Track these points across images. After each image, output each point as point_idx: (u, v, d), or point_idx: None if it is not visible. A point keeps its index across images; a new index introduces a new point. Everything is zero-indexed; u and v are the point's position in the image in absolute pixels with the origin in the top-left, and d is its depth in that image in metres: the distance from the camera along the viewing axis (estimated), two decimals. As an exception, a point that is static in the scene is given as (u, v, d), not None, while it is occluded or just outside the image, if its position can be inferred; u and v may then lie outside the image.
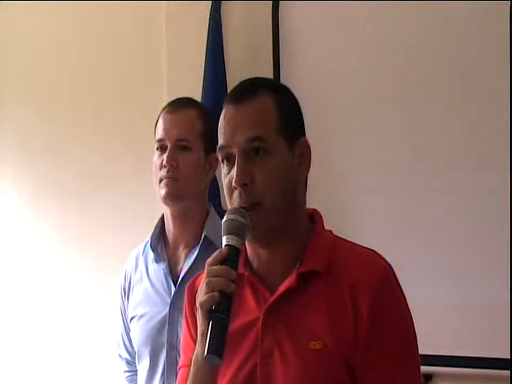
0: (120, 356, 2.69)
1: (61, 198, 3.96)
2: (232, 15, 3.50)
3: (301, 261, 1.67)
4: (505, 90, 2.97)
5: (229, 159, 1.68)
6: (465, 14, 3.06)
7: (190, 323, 1.76)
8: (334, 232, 1.76)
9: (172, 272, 2.48)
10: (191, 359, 1.66)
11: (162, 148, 2.47)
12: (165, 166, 2.43)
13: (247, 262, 1.71)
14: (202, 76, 3.44)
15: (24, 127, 4.07)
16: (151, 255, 2.53)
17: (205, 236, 2.44)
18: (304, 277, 1.65)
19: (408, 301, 1.68)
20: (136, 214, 3.66)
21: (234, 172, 1.65)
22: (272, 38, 3.39)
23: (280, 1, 3.39)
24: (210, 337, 1.56)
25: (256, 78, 1.81)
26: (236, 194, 1.66)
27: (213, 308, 1.57)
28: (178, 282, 2.44)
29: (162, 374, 2.45)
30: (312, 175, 1.75)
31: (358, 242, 1.73)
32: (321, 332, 1.61)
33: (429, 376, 3.09)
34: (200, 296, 1.60)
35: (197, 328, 1.64)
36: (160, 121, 2.50)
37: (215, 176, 2.55)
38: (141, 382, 2.53)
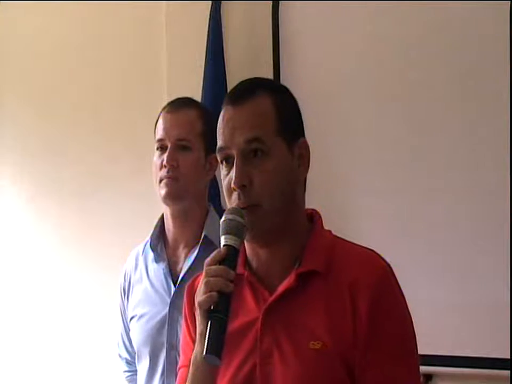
0: (120, 356, 2.69)
1: (61, 198, 3.96)
2: (232, 15, 3.50)
3: (300, 261, 1.67)
4: (505, 90, 2.97)
5: (228, 160, 1.68)
6: (465, 14, 3.05)
7: (189, 323, 1.76)
8: (334, 232, 1.76)
9: (172, 272, 2.48)
10: (190, 359, 1.66)
11: (162, 148, 2.47)
12: (165, 166, 2.43)
13: (246, 262, 1.71)
14: (202, 76, 3.44)
15: (24, 127, 4.07)
16: (150, 255, 2.53)
17: (205, 236, 2.44)
18: (303, 277, 1.65)
19: (408, 301, 1.68)
20: (136, 214, 3.66)
21: (233, 173, 1.65)
22: (272, 38, 3.39)
23: (280, 1, 3.39)
24: (208, 337, 1.56)
25: (254, 78, 1.80)
26: (234, 195, 1.66)
27: (212, 307, 1.57)
28: (178, 282, 2.44)
29: (162, 374, 2.45)
30: (312, 175, 1.75)
31: (358, 242, 1.73)
32: (320, 332, 1.61)
33: (429, 376, 3.09)
34: (199, 296, 1.60)
35: (196, 328, 1.64)
36: (160, 121, 2.50)
37: (215, 176, 2.55)
38: (140, 382, 2.53)
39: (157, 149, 2.48)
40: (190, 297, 1.74)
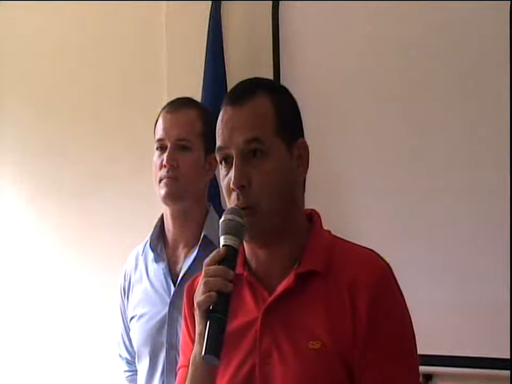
0: (120, 356, 2.69)
1: (61, 198, 3.96)
2: (232, 15, 3.50)
3: (299, 261, 1.67)
4: (505, 90, 2.97)
5: (227, 160, 1.68)
6: (465, 14, 3.05)
7: (189, 323, 1.76)
8: (333, 232, 1.75)
9: (171, 272, 2.48)
10: (189, 359, 1.66)
11: (162, 148, 2.47)
12: (164, 166, 2.43)
13: (246, 262, 1.71)
14: (202, 76, 3.44)
15: (24, 127, 4.07)
16: (150, 255, 2.53)
17: (205, 236, 2.44)
18: (303, 277, 1.65)
19: (407, 301, 1.68)
20: (136, 214, 3.66)
21: (232, 173, 1.65)
22: (272, 38, 3.39)
23: (280, 1, 3.39)
24: (207, 337, 1.56)
25: (254, 78, 1.80)
26: (233, 195, 1.66)
27: (211, 307, 1.57)
28: (177, 282, 2.44)
29: (162, 374, 2.45)
30: (311, 175, 1.75)
31: (358, 242, 1.73)
32: (319, 332, 1.61)
33: (429, 376, 3.08)
34: (198, 296, 1.60)
35: (195, 328, 1.64)
36: (160, 121, 2.50)
37: (215, 176, 2.55)
38: (140, 382, 2.53)
39: (157, 148, 2.48)
40: (190, 297, 1.73)
